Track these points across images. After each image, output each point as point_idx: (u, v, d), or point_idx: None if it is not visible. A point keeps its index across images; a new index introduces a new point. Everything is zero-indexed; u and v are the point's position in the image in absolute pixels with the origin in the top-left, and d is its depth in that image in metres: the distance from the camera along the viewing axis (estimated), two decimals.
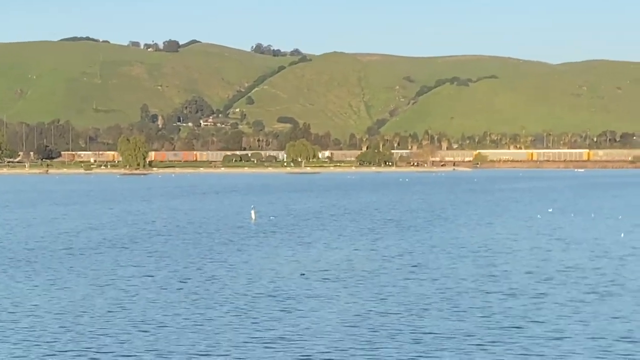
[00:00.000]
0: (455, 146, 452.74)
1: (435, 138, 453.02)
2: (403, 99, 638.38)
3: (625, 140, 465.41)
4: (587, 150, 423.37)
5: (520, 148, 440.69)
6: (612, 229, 64.29)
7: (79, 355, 21.45)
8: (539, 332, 24.08)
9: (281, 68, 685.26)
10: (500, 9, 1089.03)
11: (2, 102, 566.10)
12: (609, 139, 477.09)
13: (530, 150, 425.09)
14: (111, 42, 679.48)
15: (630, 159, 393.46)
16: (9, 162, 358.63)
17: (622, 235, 58.83)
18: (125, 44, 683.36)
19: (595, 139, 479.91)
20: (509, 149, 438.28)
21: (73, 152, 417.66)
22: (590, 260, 42.34)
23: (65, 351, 22.84)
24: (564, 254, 44.79)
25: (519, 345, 22.06)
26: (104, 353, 22.44)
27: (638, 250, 49.02)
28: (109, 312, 27.86)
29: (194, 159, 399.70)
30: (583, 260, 41.82)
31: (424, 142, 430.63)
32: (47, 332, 25.26)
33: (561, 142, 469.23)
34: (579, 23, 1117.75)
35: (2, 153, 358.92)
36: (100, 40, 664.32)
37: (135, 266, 40.43)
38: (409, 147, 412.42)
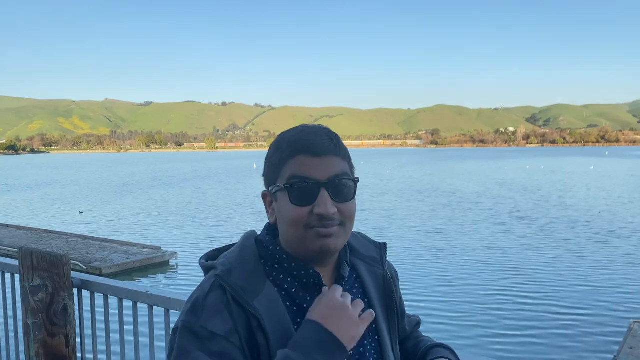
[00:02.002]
0: None
1: None
2: (309, 123, 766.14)
3: (437, 136, 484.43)
4: (382, 141, 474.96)
5: None
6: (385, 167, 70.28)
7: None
8: None
9: (264, 112, 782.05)
10: (339, 79, 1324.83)
11: (158, 126, 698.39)
12: (384, 137, 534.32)
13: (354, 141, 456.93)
14: (202, 102, 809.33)
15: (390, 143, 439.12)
16: (155, 147, 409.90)
17: (388, 171, 62.88)
18: (206, 102, 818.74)
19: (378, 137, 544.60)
20: None
21: (191, 143, 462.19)
22: None
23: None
24: None
25: None
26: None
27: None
28: (178, 206, 26.78)
29: (236, 145, 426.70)
30: None
31: None
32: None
33: (366, 138, 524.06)
34: (378, 86, 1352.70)
35: (155, 142, 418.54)
36: (197, 101, 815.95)
37: (198, 188, 40.69)
38: None
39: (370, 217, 23.15)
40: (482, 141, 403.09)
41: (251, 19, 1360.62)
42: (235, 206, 28.34)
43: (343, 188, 1.18)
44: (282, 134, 1.26)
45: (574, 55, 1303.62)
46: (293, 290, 1.19)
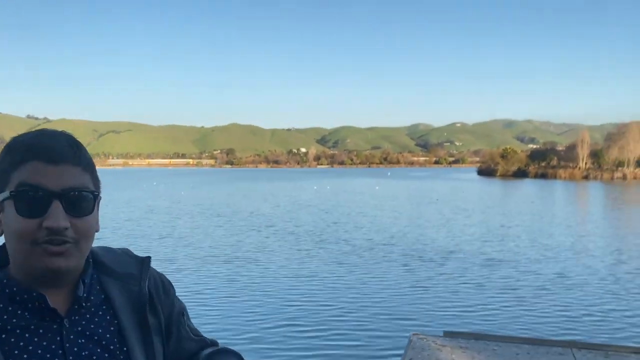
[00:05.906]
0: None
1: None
2: (88, 137, 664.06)
3: (232, 155, 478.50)
4: (189, 160, 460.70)
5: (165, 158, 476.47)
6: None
7: None
8: None
9: (38, 125, 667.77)
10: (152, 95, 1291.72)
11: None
12: (177, 156, 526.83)
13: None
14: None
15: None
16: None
17: (183, 192, 63.47)
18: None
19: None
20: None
21: None
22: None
23: None
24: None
25: None
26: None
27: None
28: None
29: None
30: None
31: None
32: None
33: (158, 157, 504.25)
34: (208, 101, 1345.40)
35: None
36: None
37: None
38: None
39: (157, 247, 21.50)
40: (276, 162, 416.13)
41: (20, 13, 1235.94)
42: None
43: (80, 201, 1.13)
44: (16, 137, 1.16)
45: (359, 79, 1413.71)
46: (14, 320, 1.10)
